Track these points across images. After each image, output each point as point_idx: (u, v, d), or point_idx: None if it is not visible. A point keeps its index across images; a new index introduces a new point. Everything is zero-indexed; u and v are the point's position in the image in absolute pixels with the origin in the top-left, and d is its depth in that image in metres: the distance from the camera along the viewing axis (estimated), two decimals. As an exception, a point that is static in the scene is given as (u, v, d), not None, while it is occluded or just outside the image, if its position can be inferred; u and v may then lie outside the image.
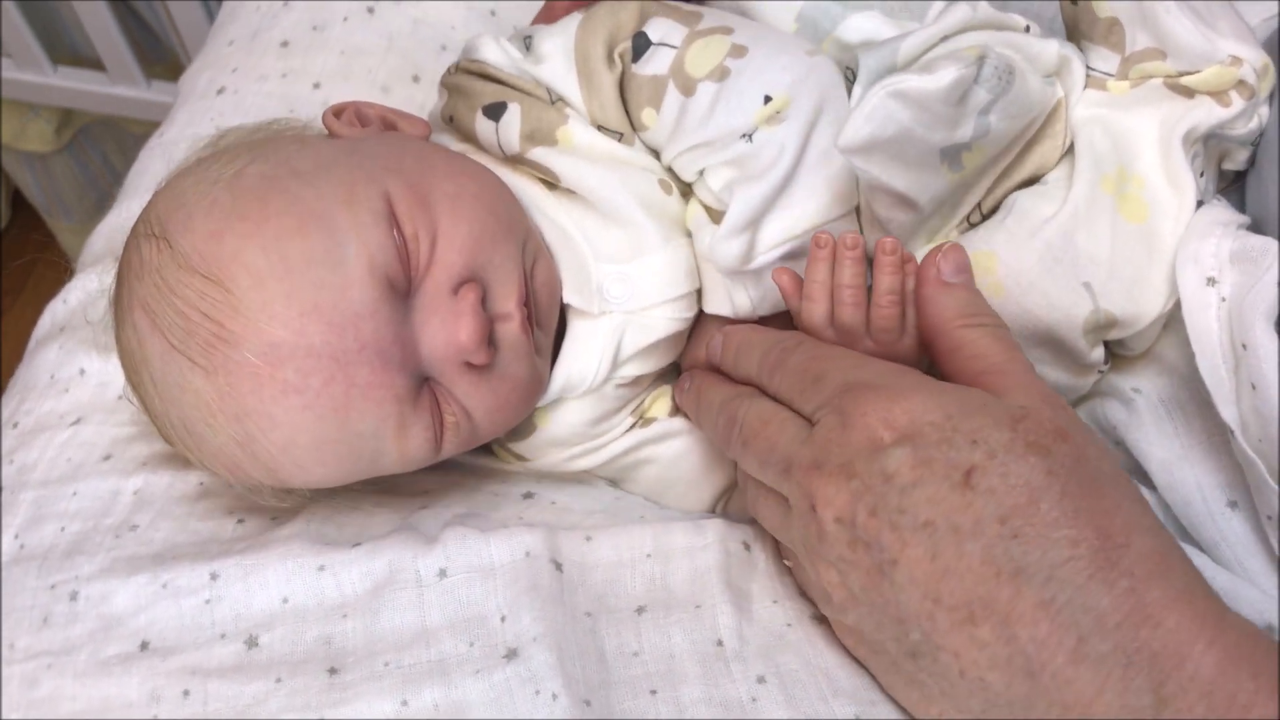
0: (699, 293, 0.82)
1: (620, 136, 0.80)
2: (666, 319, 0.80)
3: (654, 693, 0.69)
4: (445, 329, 0.71)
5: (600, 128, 0.80)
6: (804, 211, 0.75)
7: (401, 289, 0.71)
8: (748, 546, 0.75)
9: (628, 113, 0.80)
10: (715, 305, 0.81)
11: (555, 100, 0.80)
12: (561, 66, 0.80)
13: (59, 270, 0.98)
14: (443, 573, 0.72)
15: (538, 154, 0.79)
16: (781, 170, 0.75)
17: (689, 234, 0.80)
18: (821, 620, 0.71)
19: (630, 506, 0.83)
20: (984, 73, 0.69)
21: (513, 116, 0.79)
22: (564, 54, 0.80)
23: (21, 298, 1.99)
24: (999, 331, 0.68)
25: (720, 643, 0.70)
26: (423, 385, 0.73)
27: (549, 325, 0.79)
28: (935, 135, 0.70)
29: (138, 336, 0.72)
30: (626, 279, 0.79)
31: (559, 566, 0.72)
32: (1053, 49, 0.76)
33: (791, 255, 0.77)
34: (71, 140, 1.84)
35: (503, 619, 0.70)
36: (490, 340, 0.73)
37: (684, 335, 0.84)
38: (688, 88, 0.77)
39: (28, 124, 1.80)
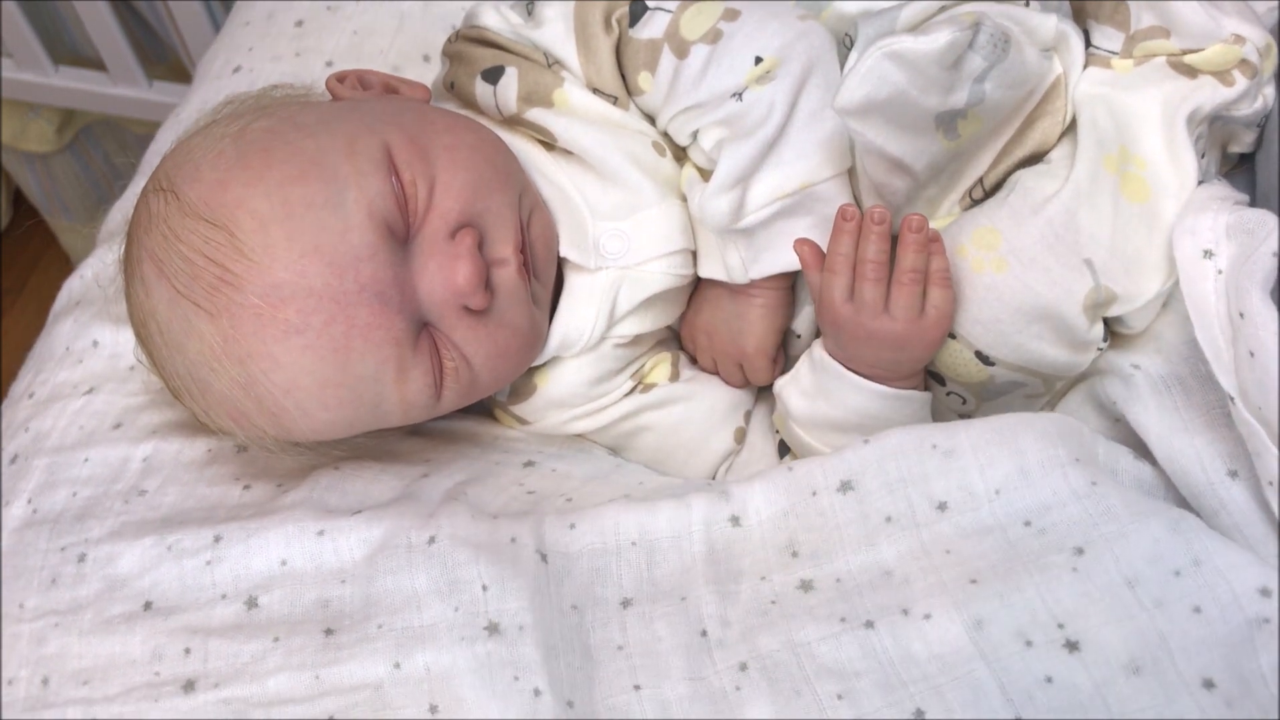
0: (695, 256, 0.87)
1: (615, 100, 0.86)
2: (662, 273, 0.86)
3: (638, 688, 0.73)
4: (443, 272, 0.77)
5: (595, 91, 0.86)
6: (794, 171, 0.81)
7: (400, 234, 0.77)
8: (736, 521, 0.78)
9: (624, 77, 0.86)
10: (709, 269, 0.87)
11: (552, 64, 0.87)
12: (560, 31, 0.86)
13: (59, 270, 1.03)
14: (432, 539, 0.77)
15: (534, 115, 0.86)
16: (770, 128, 0.80)
17: (684, 198, 0.86)
18: (809, 589, 0.74)
19: (630, 473, 0.89)
20: (979, 39, 0.75)
21: (510, 79, 0.86)
22: (563, 18, 0.86)
23: (21, 298, 2.04)
24: None
25: (704, 633, 0.74)
26: (422, 330, 0.79)
27: (546, 276, 0.85)
28: (930, 99, 0.76)
29: (145, 288, 0.78)
30: (623, 235, 0.85)
31: (544, 558, 0.77)
32: (1051, 23, 0.81)
33: (782, 215, 0.82)
34: (72, 140, 1.89)
35: (484, 588, 0.75)
36: (488, 285, 0.78)
37: (681, 295, 0.90)
38: (681, 50, 0.83)
39: (28, 124, 1.85)
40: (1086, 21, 0.85)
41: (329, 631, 0.75)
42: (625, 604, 0.76)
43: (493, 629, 0.73)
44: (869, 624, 0.71)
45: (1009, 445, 0.75)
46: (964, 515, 0.74)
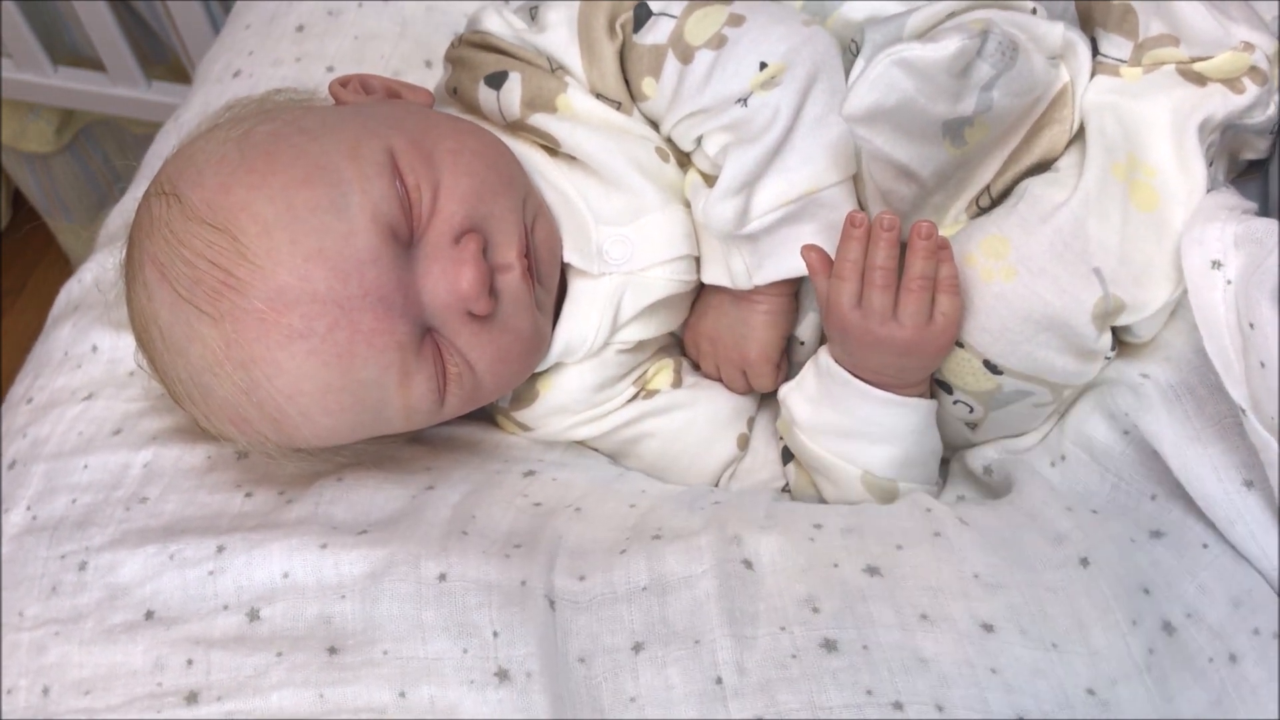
0: (699, 262, 0.87)
1: (619, 106, 0.86)
2: (665, 279, 0.86)
3: None
4: (447, 277, 0.77)
5: (599, 96, 0.86)
6: (799, 176, 0.81)
7: (404, 238, 0.77)
8: (749, 565, 0.77)
9: (628, 82, 0.86)
10: (713, 275, 0.87)
11: (556, 69, 0.87)
12: (564, 36, 0.86)
13: (59, 270, 1.03)
14: (442, 576, 0.77)
15: (538, 120, 0.86)
16: (776, 134, 0.81)
17: (687, 204, 0.86)
18: (832, 649, 0.72)
19: (632, 482, 0.89)
20: (987, 47, 0.75)
21: (514, 84, 0.86)
22: (567, 24, 0.86)
23: (21, 298, 2.05)
24: None
25: (719, 680, 0.72)
26: (426, 335, 0.79)
27: (550, 282, 0.85)
28: (938, 106, 0.76)
29: (147, 292, 0.78)
30: (626, 241, 0.85)
31: (552, 605, 0.77)
32: (1058, 31, 0.82)
33: (786, 221, 0.82)
34: (72, 141, 1.90)
35: (495, 634, 0.75)
36: (491, 291, 0.78)
37: (685, 301, 0.90)
38: (686, 55, 0.83)
39: (28, 124, 1.85)
40: (1095, 30, 0.85)
41: (333, 650, 0.75)
42: (637, 648, 0.74)
43: (502, 675, 0.73)
44: (897, 705, 0.69)
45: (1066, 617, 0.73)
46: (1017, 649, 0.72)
